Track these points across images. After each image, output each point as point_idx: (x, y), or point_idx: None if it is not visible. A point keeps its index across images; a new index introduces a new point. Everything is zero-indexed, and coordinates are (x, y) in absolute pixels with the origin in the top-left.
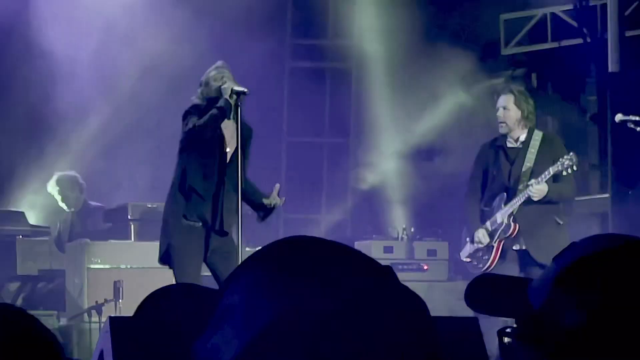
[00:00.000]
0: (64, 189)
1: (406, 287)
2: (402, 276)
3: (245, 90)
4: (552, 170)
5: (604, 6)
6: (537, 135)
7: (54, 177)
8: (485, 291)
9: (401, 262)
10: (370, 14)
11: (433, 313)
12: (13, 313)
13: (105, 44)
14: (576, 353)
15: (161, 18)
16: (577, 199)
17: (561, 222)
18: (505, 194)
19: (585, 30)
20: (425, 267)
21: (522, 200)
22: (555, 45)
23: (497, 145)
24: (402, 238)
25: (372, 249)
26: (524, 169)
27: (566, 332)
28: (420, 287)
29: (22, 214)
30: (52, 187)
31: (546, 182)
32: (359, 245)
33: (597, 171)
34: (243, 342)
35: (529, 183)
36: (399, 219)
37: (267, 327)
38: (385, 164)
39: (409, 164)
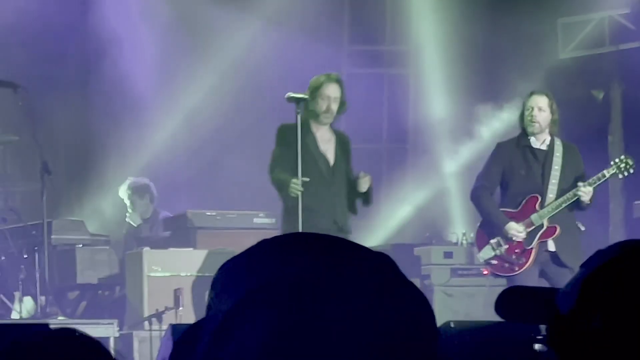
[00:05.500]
0: (134, 195)
1: (403, 277)
2: (462, 281)
3: (306, 96)
4: (607, 172)
5: None
6: (558, 141)
7: (126, 182)
8: (515, 300)
9: (461, 267)
10: (427, 19)
11: (494, 319)
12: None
13: (172, 55)
14: (605, 357)
15: (218, 24)
16: (636, 202)
17: (583, 229)
18: (539, 195)
19: None
20: (485, 272)
21: (569, 202)
22: (613, 48)
23: (523, 145)
24: (461, 243)
25: (432, 254)
26: (553, 172)
27: (594, 337)
28: (481, 292)
29: (82, 222)
30: (122, 192)
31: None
32: (418, 251)
33: None
34: (212, 327)
35: (580, 185)
36: (458, 225)
37: (234, 305)
38: (444, 170)
39: (469, 169)
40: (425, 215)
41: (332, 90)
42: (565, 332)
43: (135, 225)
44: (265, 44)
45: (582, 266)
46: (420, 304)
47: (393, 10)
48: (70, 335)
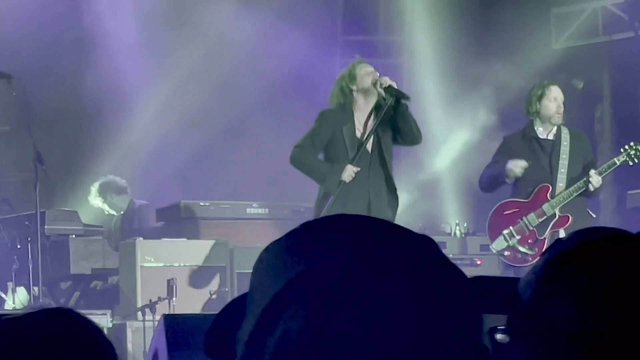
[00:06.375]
0: (107, 196)
1: (446, 259)
2: None
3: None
4: (617, 160)
5: None
6: (565, 130)
7: (93, 189)
8: (475, 290)
9: (454, 257)
10: (420, 9)
11: None
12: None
13: (154, 42)
14: (564, 345)
15: (210, 14)
16: (629, 192)
17: (594, 216)
18: (550, 185)
19: (636, 23)
20: (479, 262)
21: (580, 191)
22: (606, 39)
23: (530, 136)
24: (455, 233)
25: None
26: (561, 161)
27: (553, 325)
28: None
29: (75, 213)
30: (94, 198)
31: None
32: None
33: None
34: (256, 316)
35: (591, 174)
36: (451, 215)
37: (275, 297)
38: (437, 160)
39: (462, 159)
40: (418, 206)
41: (367, 65)
42: (527, 321)
43: (114, 227)
44: (259, 34)
45: (542, 255)
46: (464, 286)
47: (386, 0)
48: (66, 316)
